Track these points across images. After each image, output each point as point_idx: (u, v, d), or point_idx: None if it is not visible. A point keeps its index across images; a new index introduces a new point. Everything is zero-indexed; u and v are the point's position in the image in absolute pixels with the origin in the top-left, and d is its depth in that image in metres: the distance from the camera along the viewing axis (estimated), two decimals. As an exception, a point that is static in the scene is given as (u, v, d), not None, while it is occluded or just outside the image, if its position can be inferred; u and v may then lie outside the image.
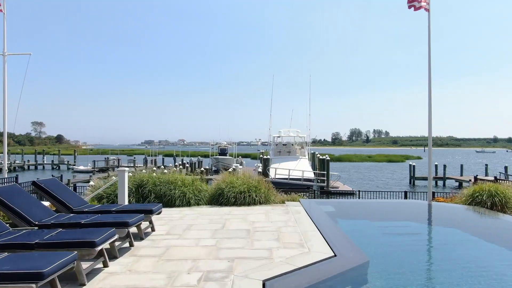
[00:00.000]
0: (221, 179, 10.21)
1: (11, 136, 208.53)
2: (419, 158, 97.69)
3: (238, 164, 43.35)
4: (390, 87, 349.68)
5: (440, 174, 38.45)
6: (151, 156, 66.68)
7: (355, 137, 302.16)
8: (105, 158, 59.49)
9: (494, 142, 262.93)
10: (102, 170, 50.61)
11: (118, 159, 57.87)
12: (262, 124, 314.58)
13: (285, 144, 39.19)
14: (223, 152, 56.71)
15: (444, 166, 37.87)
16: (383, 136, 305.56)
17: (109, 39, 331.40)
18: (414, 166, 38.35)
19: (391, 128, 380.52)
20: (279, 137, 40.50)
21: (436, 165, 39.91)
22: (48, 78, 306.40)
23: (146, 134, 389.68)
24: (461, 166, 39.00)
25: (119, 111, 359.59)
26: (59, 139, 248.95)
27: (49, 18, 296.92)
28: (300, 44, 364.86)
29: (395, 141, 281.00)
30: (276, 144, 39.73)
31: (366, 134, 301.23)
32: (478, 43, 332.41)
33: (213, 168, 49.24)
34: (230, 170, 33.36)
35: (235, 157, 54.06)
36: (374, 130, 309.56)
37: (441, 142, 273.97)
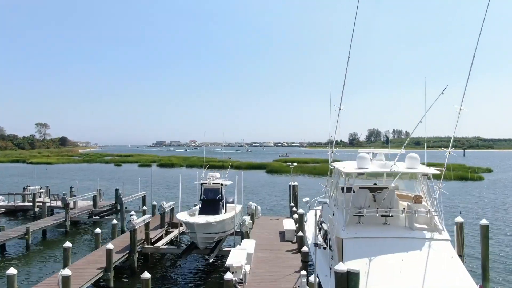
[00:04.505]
0: None
1: (11, 138, 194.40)
2: (489, 170, 76.21)
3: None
4: (393, 86, 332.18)
5: None
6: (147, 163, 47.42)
7: (374, 137, 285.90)
8: (23, 188, 35.84)
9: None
10: None
11: (41, 192, 33.56)
12: (272, 125, 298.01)
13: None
14: (212, 196, 19.57)
15: None
16: (403, 136, 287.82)
17: (122, 40, 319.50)
18: None
19: (410, 128, 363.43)
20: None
21: None
22: (56, 79, 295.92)
23: (158, 135, 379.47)
24: None
25: (131, 112, 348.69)
26: (63, 141, 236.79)
27: (58, 18, 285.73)
28: (302, 43, 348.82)
29: (418, 142, 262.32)
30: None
31: (385, 135, 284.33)
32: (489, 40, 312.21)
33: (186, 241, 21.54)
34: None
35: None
36: (394, 130, 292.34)
37: (468, 144, 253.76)
